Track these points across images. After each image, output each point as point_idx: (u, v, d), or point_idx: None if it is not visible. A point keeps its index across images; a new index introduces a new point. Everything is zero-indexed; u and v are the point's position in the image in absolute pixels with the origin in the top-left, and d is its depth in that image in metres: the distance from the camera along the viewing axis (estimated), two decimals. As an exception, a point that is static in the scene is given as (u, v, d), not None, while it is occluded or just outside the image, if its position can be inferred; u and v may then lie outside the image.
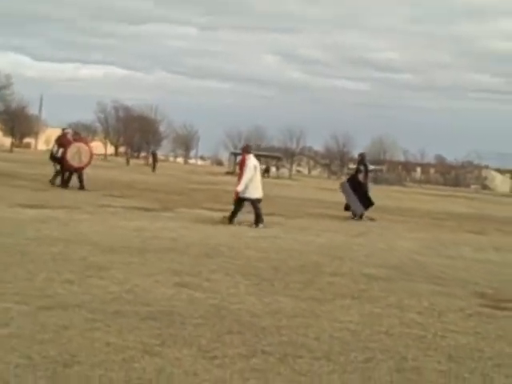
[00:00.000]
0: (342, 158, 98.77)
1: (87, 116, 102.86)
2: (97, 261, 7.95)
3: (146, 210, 15.17)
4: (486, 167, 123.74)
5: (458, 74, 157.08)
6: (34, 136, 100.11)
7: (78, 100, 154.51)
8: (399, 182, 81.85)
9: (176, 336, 4.98)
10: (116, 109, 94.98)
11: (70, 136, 21.73)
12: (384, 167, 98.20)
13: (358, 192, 17.31)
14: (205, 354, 4.59)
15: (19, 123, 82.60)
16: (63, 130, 23.45)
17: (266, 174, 64.11)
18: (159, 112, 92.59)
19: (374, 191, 44.94)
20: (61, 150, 20.78)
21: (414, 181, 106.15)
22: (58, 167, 20.93)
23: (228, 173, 53.59)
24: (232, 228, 12.84)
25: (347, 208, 17.56)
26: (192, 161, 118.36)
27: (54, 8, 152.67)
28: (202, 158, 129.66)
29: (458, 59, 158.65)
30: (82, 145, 20.96)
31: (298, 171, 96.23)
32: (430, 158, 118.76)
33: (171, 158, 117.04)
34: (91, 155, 21.07)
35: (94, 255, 8.35)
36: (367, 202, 17.45)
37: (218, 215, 15.14)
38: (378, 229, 14.84)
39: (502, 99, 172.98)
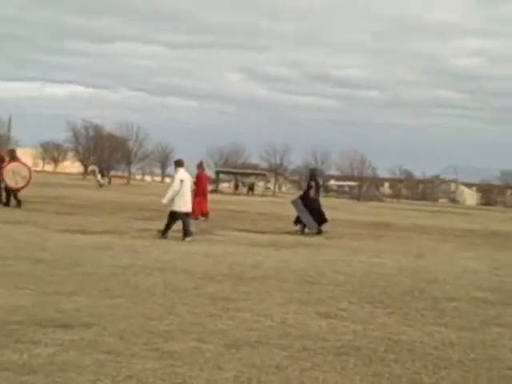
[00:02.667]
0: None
1: (58, 135, 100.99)
2: (211, 291, 7.72)
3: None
4: (454, 181, 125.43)
5: (422, 90, 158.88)
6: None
7: (45, 119, 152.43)
8: (376, 197, 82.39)
9: (394, 374, 4.81)
10: (86, 128, 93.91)
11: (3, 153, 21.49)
12: (355, 183, 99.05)
13: (310, 208, 17.21)
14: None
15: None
16: None
17: (250, 192, 64.10)
18: (130, 130, 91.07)
19: (364, 207, 45.37)
20: None
21: (385, 196, 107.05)
22: None
23: (213, 191, 52.76)
24: (289, 251, 12.65)
25: (297, 221, 17.43)
26: (157, 178, 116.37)
27: (15, 27, 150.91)
28: (169, 176, 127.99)
29: (422, 76, 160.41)
30: (17, 164, 20.15)
31: (267, 188, 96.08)
32: (397, 174, 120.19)
33: (138, 177, 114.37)
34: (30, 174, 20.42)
35: (203, 285, 8.12)
36: (320, 219, 17.31)
37: (263, 238, 15.02)
38: (425, 249, 14.79)
39: (466, 115, 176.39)
